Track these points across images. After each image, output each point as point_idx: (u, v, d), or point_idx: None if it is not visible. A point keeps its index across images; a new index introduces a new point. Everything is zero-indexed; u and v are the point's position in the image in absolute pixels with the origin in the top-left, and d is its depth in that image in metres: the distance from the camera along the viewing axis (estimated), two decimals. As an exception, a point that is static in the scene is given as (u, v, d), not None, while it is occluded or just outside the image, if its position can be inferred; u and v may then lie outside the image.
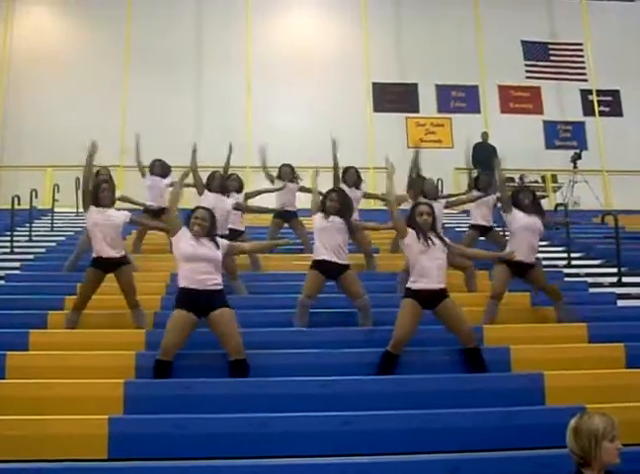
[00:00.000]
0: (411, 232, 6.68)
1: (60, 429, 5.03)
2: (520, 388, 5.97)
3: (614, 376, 6.22)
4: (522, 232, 7.82)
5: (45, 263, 10.60)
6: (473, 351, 6.48)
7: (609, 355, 6.70)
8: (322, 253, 7.50)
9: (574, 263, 10.99)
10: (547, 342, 6.97)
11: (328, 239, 7.50)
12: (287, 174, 11.15)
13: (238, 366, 6.12)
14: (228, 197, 9.53)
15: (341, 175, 10.28)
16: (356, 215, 8.98)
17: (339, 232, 7.55)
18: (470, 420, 5.34)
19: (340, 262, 7.50)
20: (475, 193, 10.44)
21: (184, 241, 6.39)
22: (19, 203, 12.51)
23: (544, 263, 10.44)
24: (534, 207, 8.06)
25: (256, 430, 5.16)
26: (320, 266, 7.50)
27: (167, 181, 11.18)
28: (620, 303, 8.78)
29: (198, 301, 6.18)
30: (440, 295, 6.52)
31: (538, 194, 15.62)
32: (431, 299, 6.50)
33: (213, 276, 6.31)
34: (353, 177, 10.38)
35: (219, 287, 6.33)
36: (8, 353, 6.31)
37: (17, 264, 10.45)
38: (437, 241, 6.66)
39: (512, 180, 17.71)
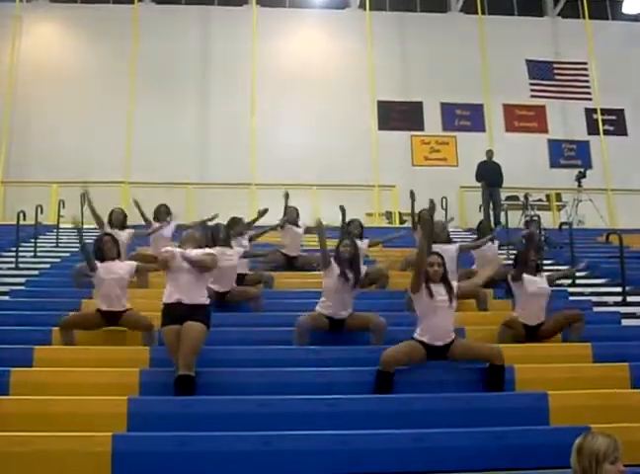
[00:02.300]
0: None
1: (64, 445, 5.01)
2: (524, 408, 5.94)
3: (619, 396, 6.19)
4: (532, 298, 7.72)
5: (50, 279, 10.60)
6: (498, 368, 6.46)
7: (614, 374, 6.68)
8: (327, 310, 7.45)
9: (578, 282, 10.96)
10: (551, 361, 6.95)
11: (336, 300, 7.42)
12: (293, 216, 11.13)
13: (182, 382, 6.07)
14: (231, 247, 9.43)
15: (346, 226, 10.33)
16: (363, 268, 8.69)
17: (348, 294, 7.48)
18: (473, 439, 5.32)
19: (343, 318, 7.45)
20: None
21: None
22: (24, 219, 12.52)
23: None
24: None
25: (259, 448, 5.14)
26: (325, 317, 7.46)
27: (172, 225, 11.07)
28: (625, 322, 8.76)
29: (176, 314, 6.22)
30: (447, 347, 6.53)
31: (543, 212, 15.82)
32: (437, 353, 6.50)
33: (192, 289, 6.32)
34: (357, 228, 10.33)
35: (197, 301, 6.31)
36: (12, 369, 6.29)
37: (22, 279, 10.45)
38: (445, 296, 6.61)
39: (516, 198, 17.76)
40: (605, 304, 9.71)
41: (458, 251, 9.60)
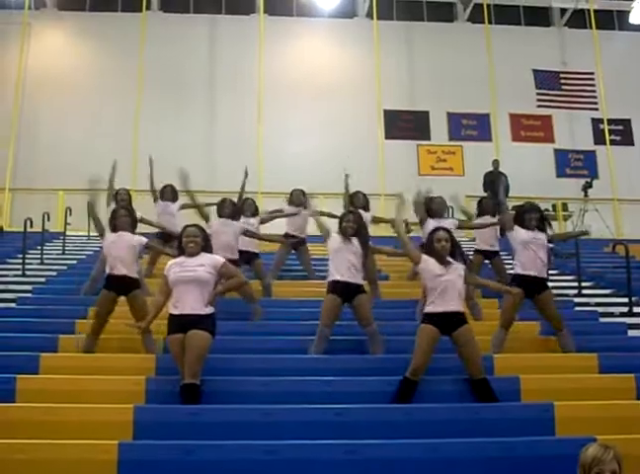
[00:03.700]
0: (425, 258, 6.70)
1: (70, 453, 5.01)
2: (529, 418, 5.93)
3: (625, 407, 6.17)
4: (526, 247, 7.78)
5: (57, 286, 10.63)
6: (482, 382, 6.45)
7: (620, 385, 6.66)
8: (336, 274, 7.52)
9: (584, 292, 10.94)
10: (557, 372, 6.93)
11: (342, 260, 7.51)
12: (299, 198, 11.07)
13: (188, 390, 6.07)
14: (237, 220, 9.51)
15: (349, 199, 10.44)
16: None
17: (354, 254, 7.56)
18: (478, 450, 5.30)
19: (354, 282, 7.51)
20: (489, 218, 10.40)
21: (171, 268, 6.50)
22: (31, 226, 12.53)
23: (554, 292, 10.40)
24: (539, 226, 8.04)
25: (264, 457, 5.13)
26: (335, 287, 7.49)
27: (177, 205, 11.24)
28: (631, 333, 8.72)
29: (180, 323, 6.23)
30: (458, 319, 6.50)
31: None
32: (449, 323, 6.47)
33: (194, 300, 6.30)
34: (360, 200, 10.38)
35: (200, 312, 6.28)
36: (18, 376, 6.31)
37: (28, 287, 10.48)
38: (454, 264, 6.66)
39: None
40: (612, 315, 9.68)
41: (455, 227, 9.56)
